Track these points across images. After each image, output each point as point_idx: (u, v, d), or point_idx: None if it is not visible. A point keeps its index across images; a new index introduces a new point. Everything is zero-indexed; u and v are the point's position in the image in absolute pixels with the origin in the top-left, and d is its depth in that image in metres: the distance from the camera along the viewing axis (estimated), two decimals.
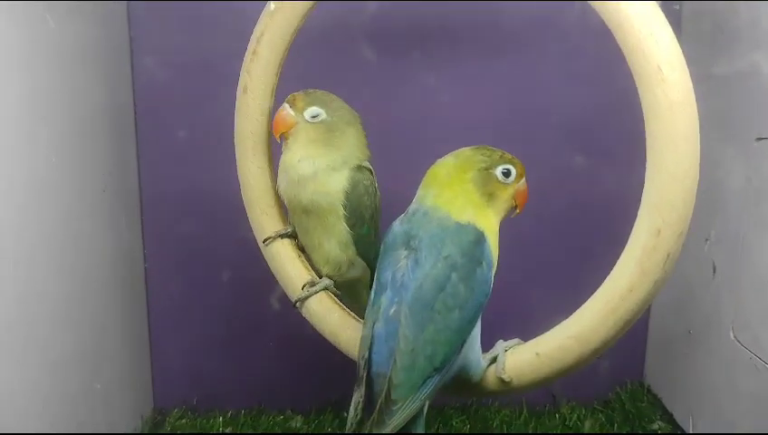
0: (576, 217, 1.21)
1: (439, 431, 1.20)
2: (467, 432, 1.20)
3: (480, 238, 0.74)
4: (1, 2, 0.77)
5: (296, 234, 0.92)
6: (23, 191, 0.82)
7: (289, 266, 0.92)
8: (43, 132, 0.87)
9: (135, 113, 1.17)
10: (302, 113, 0.85)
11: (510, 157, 0.79)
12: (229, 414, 1.24)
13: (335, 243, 0.88)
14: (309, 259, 0.93)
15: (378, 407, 0.68)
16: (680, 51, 0.71)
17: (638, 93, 0.72)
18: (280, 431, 1.20)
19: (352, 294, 0.94)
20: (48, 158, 0.88)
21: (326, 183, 0.86)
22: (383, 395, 0.68)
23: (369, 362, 0.72)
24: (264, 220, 0.93)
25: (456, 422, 1.22)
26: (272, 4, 0.87)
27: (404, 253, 0.74)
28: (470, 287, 0.71)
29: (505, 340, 0.78)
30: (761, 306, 0.94)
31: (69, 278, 0.94)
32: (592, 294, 0.74)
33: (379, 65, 1.17)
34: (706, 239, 1.08)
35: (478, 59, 1.17)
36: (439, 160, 0.80)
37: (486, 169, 0.77)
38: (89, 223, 1.00)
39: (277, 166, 0.90)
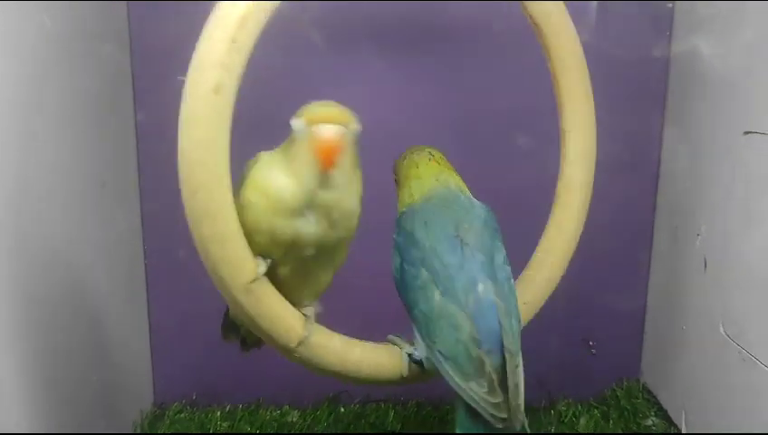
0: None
1: (434, 429, 1.21)
2: None
3: None
4: None
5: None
6: (20, 187, 0.84)
7: (278, 306, 0.75)
8: (40, 128, 0.89)
9: (135, 108, 1.19)
10: (348, 129, 0.69)
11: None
12: (227, 409, 1.25)
13: (331, 270, 0.79)
14: (283, 291, 0.77)
15: (510, 378, 0.71)
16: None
17: None
18: (276, 426, 1.21)
19: None
20: (46, 153, 0.90)
21: (353, 217, 0.74)
22: (508, 366, 0.72)
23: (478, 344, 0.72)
24: (245, 256, 0.72)
25: (452, 417, 1.22)
26: None
27: (458, 235, 0.77)
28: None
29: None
30: (748, 300, 0.94)
31: (68, 275, 0.96)
32: None
33: (362, 62, 1.18)
34: (698, 234, 1.08)
35: (451, 56, 1.19)
36: (417, 157, 0.86)
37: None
38: (87, 218, 1.02)
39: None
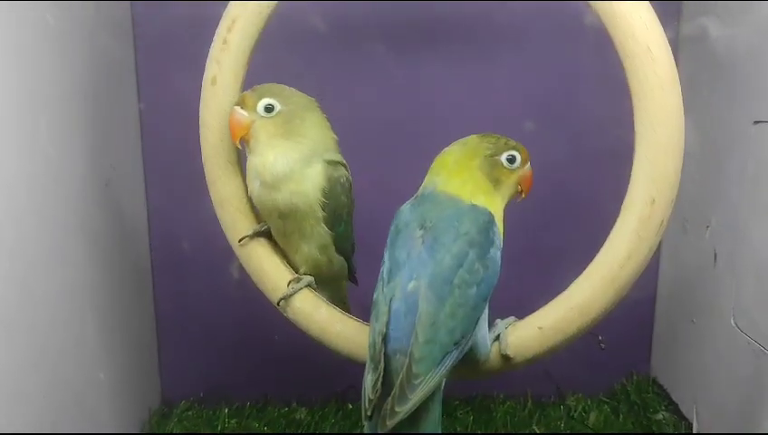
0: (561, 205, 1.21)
1: (443, 422, 1.19)
2: (471, 425, 1.20)
3: (492, 220, 0.77)
4: None
5: (270, 232, 0.89)
6: (24, 185, 0.84)
7: (267, 265, 0.89)
8: (44, 125, 0.89)
9: (139, 104, 1.19)
10: (254, 110, 0.82)
11: (514, 143, 0.82)
12: (235, 406, 1.25)
13: (315, 246, 0.87)
14: (286, 258, 0.90)
15: (399, 382, 0.68)
16: (664, 34, 0.74)
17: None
18: (284, 423, 1.21)
19: (331, 288, 0.93)
20: (48, 151, 0.90)
21: (302, 182, 0.83)
22: (404, 370, 0.68)
23: (385, 339, 0.72)
24: (238, 218, 0.89)
25: (461, 414, 1.22)
26: None
27: (419, 232, 0.75)
28: (485, 265, 0.74)
29: (501, 319, 0.81)
30: (759, 292, 0.93)
31: (73, 273, 0.96)
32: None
33: (374, 60, 1.18)
34: (707, 226, 1.07)
35: (473, 53, 1.18)
36: (446, 149, 0.83)
37: (492, 155, 0.81)
38: (92, 217, 1.02)
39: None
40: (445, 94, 1.19)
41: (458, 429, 1.18)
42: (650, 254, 0.75)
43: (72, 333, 0.96)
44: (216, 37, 0.85)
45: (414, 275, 0.72)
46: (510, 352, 0.78)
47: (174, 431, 1.18)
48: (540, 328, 0.78)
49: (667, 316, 1.24)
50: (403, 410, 0.67)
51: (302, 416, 1.22)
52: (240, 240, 0.89)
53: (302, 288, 0.87)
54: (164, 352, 1.29)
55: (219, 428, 1.19)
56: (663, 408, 1.20)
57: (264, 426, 1.20)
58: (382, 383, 0.69)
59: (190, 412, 1.24)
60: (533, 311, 0.80)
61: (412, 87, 1.19)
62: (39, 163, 0.87)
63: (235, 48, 0.84)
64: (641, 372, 1.30)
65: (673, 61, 0.74)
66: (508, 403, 1.24)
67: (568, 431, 1.18)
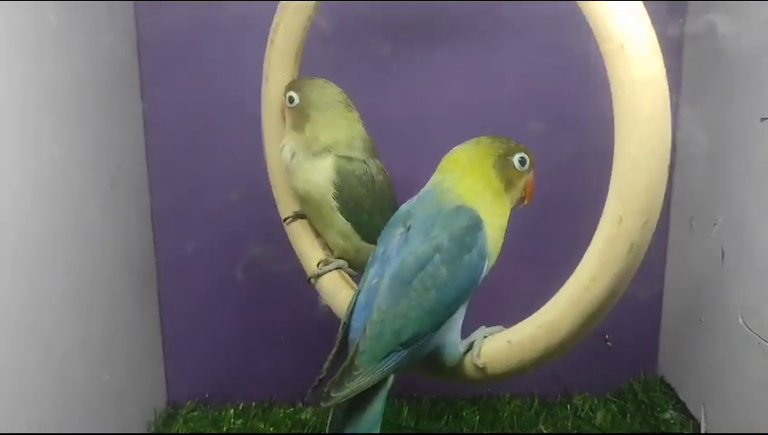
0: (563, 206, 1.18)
1: (449, 422, 1.20)
2: (477, 425, 1.19)
3: (475, 226, 0.74)
4: None
5: None
6: (28, 186, 0.84)
7: (305, 245, 0.97)
8: (50, 127, 0.89)
9: (143, 107, 1.18)
10: (285, 98, 0.89)
11: (524, 146, 0.81)
12: (240, 407, 1.25)
13: (335, 233, 0.91)
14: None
15: (342, 369, 0.70)
16: (650, 30, 0.65)
17: None
18: (290, 423, 1.21)
19: None
20: (52, 152, 0.90)
21: (311, 172, 0.87)
22: (348, 360, 0.71)
23: (347, 327, 0.76)
24: (286, 200, 0.98)
25: (467, 413, 1.22)
26: None
27: (400, 230, 0.77)
28: (452, 271, 0.72)
29: (488, 326, 0.79)
30: (767, 290, 0.92)
31: (78, 274, 0.96)
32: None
33: (387, 58, 1.18)
34: (714, 224, 1.06)
35: (475, 50, 1.18)
36: (458, 147, 0.82)
37: (505, 155, 0.79)
38: (97, 218, 1.02)
39: None
40: (443, 93, 1.18)
41: (464, 429, 1.18)
42: (620, 278, 0.66)
43: (78, 333, 0.96)
44: (268, 38, 0.94)
45: (380, 272, 0.75)
46: (479, 362, 0.75)
47: (179, 432, 1.18)
48: (509, 342, 0.74)
49: (675, 315, 1.24)
50: (337, 395, 0.69)
51: (308, 416, 1.22)
52: (285, 219, 0.98)
53: (330, 270, 0.93)
54: (169, 352, 1.29)
55: (225, 428, 1.19)
56: (670, 407, 1.19)
57: (270, 426, 1.20)
58: (338, 369, 0.72)
59: (196, 413, 1.24)
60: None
61: (410, 85, 1.18)
62: (43, 164, 0.87)
63: (281, 48, 0.93)
64: (649, 371, 1.29)
65: (658, 61, 0.64)
66: (514, 403, 1.24)
67: (575, 431, 1.17)
